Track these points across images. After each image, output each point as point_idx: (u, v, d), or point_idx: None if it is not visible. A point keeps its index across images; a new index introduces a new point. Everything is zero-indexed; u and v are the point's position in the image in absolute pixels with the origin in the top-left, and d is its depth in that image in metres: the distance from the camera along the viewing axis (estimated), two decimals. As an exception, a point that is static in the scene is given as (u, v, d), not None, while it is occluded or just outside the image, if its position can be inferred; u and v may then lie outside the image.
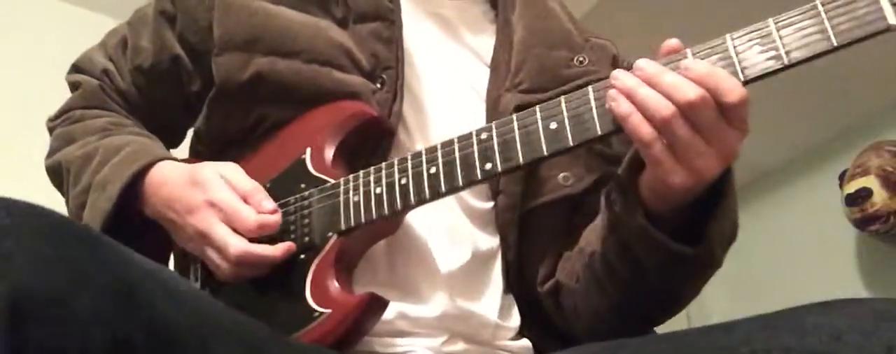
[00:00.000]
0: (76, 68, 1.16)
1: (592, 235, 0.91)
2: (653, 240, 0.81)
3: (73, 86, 1.15)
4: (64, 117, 1.11)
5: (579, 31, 1.08)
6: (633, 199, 0.82)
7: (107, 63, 1.12)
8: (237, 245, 0.88)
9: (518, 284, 0.98)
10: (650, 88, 0.75)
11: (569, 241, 0.98)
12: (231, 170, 0.95)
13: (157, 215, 0.96)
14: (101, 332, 0.53)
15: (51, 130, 1.12)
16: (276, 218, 0.90)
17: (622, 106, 0.76)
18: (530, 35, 1.05)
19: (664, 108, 0.74)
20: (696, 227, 0.82)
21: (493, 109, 1.00)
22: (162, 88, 1.09)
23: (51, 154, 1.08)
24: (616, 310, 0.89)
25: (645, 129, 0.75)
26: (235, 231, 0.89)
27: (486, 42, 1.07)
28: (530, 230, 0.97)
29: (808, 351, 0.61)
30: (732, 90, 0.73)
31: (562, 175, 0.96)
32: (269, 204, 0.91)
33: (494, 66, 1.04)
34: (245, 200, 0.91)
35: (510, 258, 0.97)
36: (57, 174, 1.06)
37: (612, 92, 0.77)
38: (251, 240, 0.89)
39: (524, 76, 1.01)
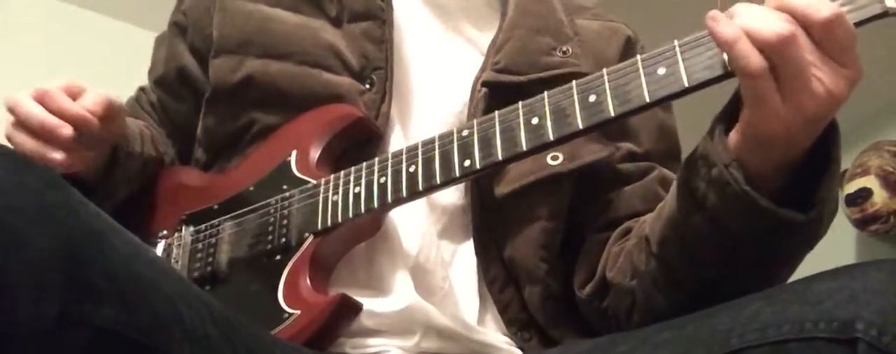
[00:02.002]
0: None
1: (658, 221, 0.82)
2: (756, 209, 0.69)
3: None
4: None
5: (572, 23, 1.05)
6: (729, 161, 0.71)
7: (147, 81, 1.18)
8: (18, 95, 0.91)
9: (516, 282, 0.93)
10: (768, 10, 0.66)
11: (577, 227, 0.95)
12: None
13: None
14: (57, 272, 0.52)
15: None
16: (67, 107, 0.90)
17: (727, 29, 0.66)
18: (519, 16, 1.04)
19: (780, 26, 0.65)
20: (795, 194, 0.72)
21: (473, 91, 0.97)
22: (176, 98, 1.12)
23: None
24: (692, 306, 0.76)
25: (754, 59, 0.65)
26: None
27: (488, 33, 1.05)
28: (515, 216, 0.93)
29: (825, 319, 0.57)
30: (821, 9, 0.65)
31: (551, 154, 0.92)
32: (89, 104, 0.91)
33: (488, 53, 1.02)
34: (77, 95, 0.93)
35: (499, 255, 0.93)
36: None
37: (713, 12, 0.67)
38: None
39: (502, 55, 0.99)
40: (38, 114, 0.88)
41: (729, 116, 0.73)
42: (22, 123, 0.89)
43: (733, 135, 0.72)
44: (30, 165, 0.57)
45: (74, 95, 0.92)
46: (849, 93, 0.67)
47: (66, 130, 0.88)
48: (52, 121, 0.88)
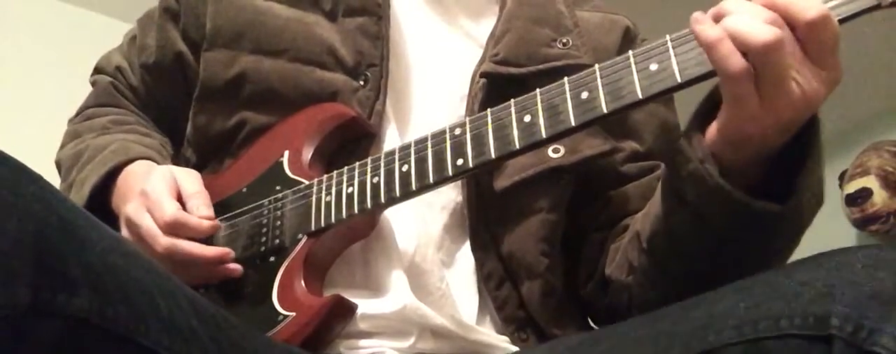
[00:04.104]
0: (95, 68, 1.18)
1: (647, 217, 0.84)
2: (733, 202, 0.70)
3: (92, 86, 1.17)
4: (80, 116, 1.14)
5: (572, 15, 1.04)
6: (704, 156, 0.72)
7: (121, 61, 1.14)
8: (165, 238, 0.87)
9: (513, 279, 0.92)
10: (757, 7, 0.66)
11: (579, 225, 0.96)
12: (184, 172, 0.95)
13: (114, 209, 0.96)
14: (26, 260, 0.53)
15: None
16: (203, 223, 0.89)
17: (710, 31, 0.66)
18: (517, 7, 1.03)
19: (767, 32, 0.64)
20: (775, 185, 0.72)
21: (472, 84, 0.96)
22: (167, 85, 1.10)
23: (58, 150, 1.11)
24: (685, 297, 0.76)
25: (736, 61, 0.65)
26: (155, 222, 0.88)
27: (486, 26, 1.04)
28: (515, 209, 0.93)
29: (800, 315, 0.56)
30: (809, 8, 0.64)
31: (552, 148, 0.92)
32: (205, 210, 0.91)
33: (487, 44, 1.00)
34: (182, 200, 0.91)
35: (496, 251, 0.92)
36: (58, 169, 1.08)
37: (696, 14, 0.68)
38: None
39: (502, 47, 0.98)
40: (205, 255, 0.88)
41: (706, 112, 0.74)
42: (191, 264, 0.88)
43: (711, 132, 0.73)
44: (6, 160, 0.57)
45: (179, 197, 0.92)
46: (827, 95, 0.68)
47: (232, 254, 0.89)
48: (218, 252, 0.89)
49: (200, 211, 0.90)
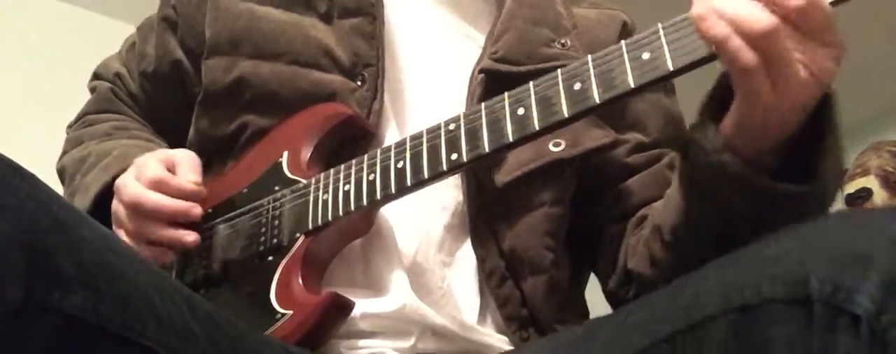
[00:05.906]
0: (94, 75, 1.20)
1: (667, 210, 0.84)
2: (755, 188, 0.71)
3: (91, 92, 1.19)
4: (79, 122, 1.15)
5: (570, 15, 1.05)
6: (722, 146, 0.72)
7: (120, 67, 1.16)
8: (135, 185, 0.90)
9: (516, 277, 0.91)
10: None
11: (593, 221, 0.96)
12: (180, 150, 0.98)
13: None
14: (20, 257, 0.53)
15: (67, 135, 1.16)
16: (186, 182, 0.92)
17: (718, 27, 0.65)
18: (517, 7, 1.03)
19: (765, 19, 0.64)
20: (794, 167, 0.72)
21: (471, 81, 0.97)
22: (166, 93, 1.11)
23: (60, 157, 1.12)
24: None
25: (747, 56, 0.65)
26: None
27: (484, 26, 1.04)
28: (516, 204, 0.93)
29: (780, 279, 0.56)
30: None
31: (553, 141, 0.92)
32: (192, 175, 0.93)
33: (486, 43, 1.01)
34: (172, 169, 0.94)
35: (498, 248, 0.92)
36: (61, 176, 1.09)
37: (700, 12, 0.67)
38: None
39: (501, 45, 0.98)
40: (168, 203, 0.90)
41: (717, 100, 0.74)
42: (153, 215, 0.90)
43: (726, 122, 0.73)
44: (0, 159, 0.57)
45: (171, 167, 0.94)
46: (836, 69, 0.67)
47: (197, 210, 0.91)
48: (183, 205, 0.91)
49: (187, 176, 0.92)
